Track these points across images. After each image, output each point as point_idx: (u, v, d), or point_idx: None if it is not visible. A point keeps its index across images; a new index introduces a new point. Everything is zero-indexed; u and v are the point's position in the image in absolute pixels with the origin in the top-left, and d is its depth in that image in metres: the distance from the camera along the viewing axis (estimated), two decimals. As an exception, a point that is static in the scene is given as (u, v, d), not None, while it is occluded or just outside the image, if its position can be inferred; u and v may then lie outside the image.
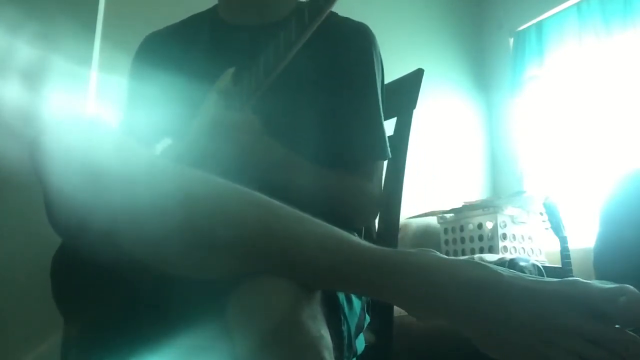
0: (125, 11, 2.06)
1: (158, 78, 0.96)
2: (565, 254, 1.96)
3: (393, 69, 1.16)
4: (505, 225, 2.23)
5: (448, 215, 2.41)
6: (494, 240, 2.20)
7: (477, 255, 2.09)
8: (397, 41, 2.64)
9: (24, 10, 1.34)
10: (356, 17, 1.02)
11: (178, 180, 0.58)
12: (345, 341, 0.74)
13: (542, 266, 1.98)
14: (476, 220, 2.29)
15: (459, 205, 2.39)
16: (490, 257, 2.01)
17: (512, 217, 2.25)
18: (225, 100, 0.86)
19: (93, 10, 1.76)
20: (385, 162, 1.06)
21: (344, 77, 0.95)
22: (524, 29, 2.99)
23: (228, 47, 1.00)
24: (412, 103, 1.17)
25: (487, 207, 2.27)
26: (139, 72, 1.04)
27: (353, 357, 0.79)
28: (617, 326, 0.49)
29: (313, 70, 0.94)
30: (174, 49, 1.02)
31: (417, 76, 1.19)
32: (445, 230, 2.42)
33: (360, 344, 0.86)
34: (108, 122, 0.64)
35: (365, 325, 0.91)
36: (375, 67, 0.98)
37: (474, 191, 2.91)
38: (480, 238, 2.26)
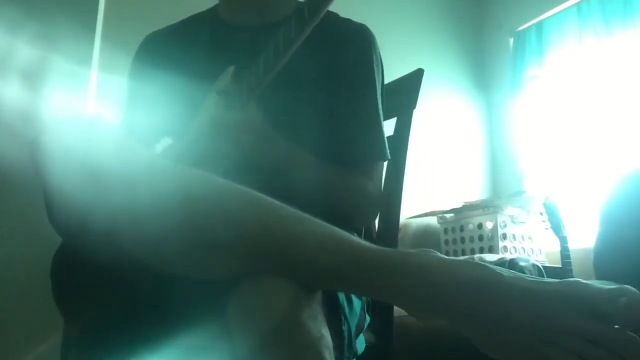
0: (125, 11, 2.06)
1: (158, 78, 0.96)
2: (565, 254, 1.96)
3: (393, 69, 1.16)
4: (505, 225, 2.23)
5: (448, 215, 2.41)
6: (494, 240, 2.20)
7: (477, 255, 2.09)
8: (397, 41, 2.64)
9: (24, 10, 1.34)
10: (356, 17, 1.02)
11: (178, 180, 0.58)
12: (346, 341, 0.74)
13: (542, 266, 1.98)
14: (476, 220, 2.29)
15: (459, 205, 2.39)
16: (490, 257, 2.01)
17: (512, 217, 2.25)
18: (225, 100, 0.86)
19: (93, 10, 1.76)
20: (385, 163, 1.06)
21: (343, 77, 0.95)
22: (524, 29, 2.99)
23: (228, 47, 1.00)
24: (412, 103, 1.17)
25: (487, 207, 2.27)
26: (139, 72, 1.04)
27: (353, 358, 0.79)
28: (616, 327, 0.49)
29: (313, 69, 0.94)
30: (174, 49, 1.02)
31: (417, 76, 1.19)
32: (445, 230, 2.42)
33: (360, 344, 0.86)
34: (108, 122, 0.64)
35: (366, 326, 0.91)
36: (375, 68, 0.98)
37: (474, 191, 2.91)
38: (480, 238, 2.26)
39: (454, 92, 3.06)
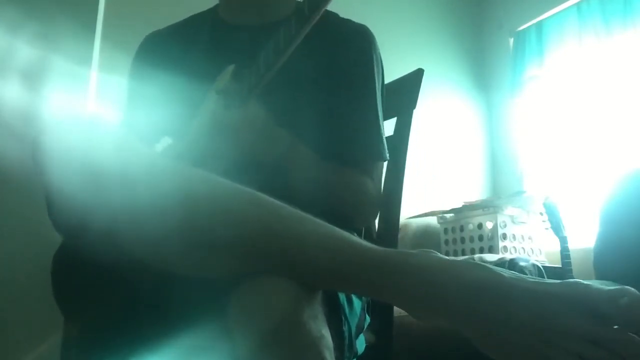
0: (125, 11, 2.06)
1: (158, 78, 0.96)
2: (565, 254, 1.96)
3: (393, 69, 1.16)
4: (505, 225, 2.23)
5: (448, 215, 2.41)
6: (494, 240, 2.20)
7: (477, 256, 2.09)
8: (397, 41, 2.64)
9: (24, 10, 1.35)
10: (356, 17, 1.02)
11: (178, 180, 0.58)
12: (346, 341, 0.74)
13: (542, 266, 1.98)
14: (476, 220, 2.29)
15: (459, 205, 2.39)
16: (490, 257, 2.01)
17: (512, 217, 2.25)
18: (224, 99, 0.86)
19: (93, 10, 1.76)
20: (385, 163, 1.06)
21: (343, 78, 0.95)
22: (524, 29, 2.99)
23: (228, 47, 1.00)
24: (412, 103, 1.17)
25: (487, 207, 2.27)
26: (139, 72, 1.04)
27: (354, 358, 0.79)
28: (617, 327, 0.49)
29: (312, 69, 0.94)
30: (174, 48, 1.02)
31: (417, 76, 1.19)
32: (445, 230, 2.42)
33: (360, 344, 0.86)
34: (108, 122, 0.64)
35: (366, 326, 0.91)
36: (375, 68, 0.98)
37: (474, 191, 2.91)
38: (480, 238, 2.26)
39: (454, 92, 3.06)
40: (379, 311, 1.00)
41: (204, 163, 0.77)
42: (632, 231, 1.43)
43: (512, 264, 1.89)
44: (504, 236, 2.21)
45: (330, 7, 0.78)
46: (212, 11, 1.07)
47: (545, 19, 2.88)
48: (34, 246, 1.18)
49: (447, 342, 1.54)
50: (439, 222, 2.45)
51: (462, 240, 2.34)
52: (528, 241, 2.29)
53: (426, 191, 2.67)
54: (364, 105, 0.96)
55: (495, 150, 3.11)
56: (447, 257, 0.56)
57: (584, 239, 2.14)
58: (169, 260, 0.57)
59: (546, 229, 2.04)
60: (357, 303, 0.82)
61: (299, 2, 1.03)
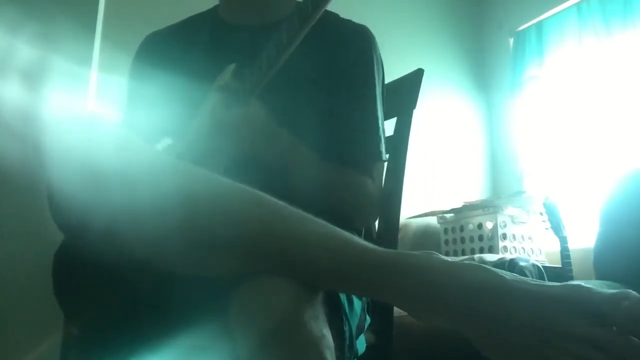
0: (125, 11, 2.06)
1: (158, 78, 0.96)
2: (565, 254, 1.96)
3: (393, 69, 1.16)
4: (505, 225, 2.23)
5: (448, 215, 2.41)
6: (494, 240, 2.20)
7: (477, 255, 2.09)
8: (397, 41, 2.64)
9: (24, 10, 1.35)
10: (356, 17, 1.02)
11: (179, 179, 0.58)
12: (347, 341, 0.74)
13: (542, 266, 1.98)
14: (476, 220, 2.29)
15: (459, 205, 2.39)
16: (490, 257, 2.01)
17: (512, 217, 2.25)
18: (225, 97, 0.86)
19: (93, 10, 1.76)
20: (385, 163, 1.06)
21: (343, 78, 0.95)
22: (524, 29, 2.99)
23: (228, 47, 1.00)
24: (412, 103, 1.17)
25: (487, 207, 2.27)
26: (139, 72, 1.04)
27: (354, 358, 0.79)
28: (618, 330, 0.49)
29: (312, 69, 0.94)
30: (174, 49, 1.02)
31: (417, 76, 1.19)
32: (445, 230, 2.42)
33: (361, 344, 0.86)
34: (108, 122, 0.64)
35: (366, 326, 0.91)
36: (375, 68, 0.98)
37: (474, 191, 2.91)
38: (480, 238, 2.26)
39: (454, 92, 3.06)
40: (379, 311, 1.00)
41: (204, 162, 0.77)
42: (632, 231, 1.43)
43: (512, 264, 1.89)
44: (504, 236, 2.21)
45: (330, 7, 0.78)
46: (212, 11, 1.07)
47: (545, 19, 2.88)
48: (34, 246, 1.18)
49: (447, 342, 1.54)
50: (439, 222, 2.45)
51: (462, 240, 2.34)
52: (528, 241, 2.29)
53: (426, 191, 2.67)
54: (363, 105, 0.96)
55: (495, 150, 3.11)
56: (447, 259, 0.56)
57: (584, 239, 2.14)
58: (169, 260, 0.57)
59: (546, 229, 2.05)
60: (357, 303, 0.82)
61: (300, 1, 1.03)
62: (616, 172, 1.69)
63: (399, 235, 1.22)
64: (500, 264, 1.89)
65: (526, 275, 1.49)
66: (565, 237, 1.98)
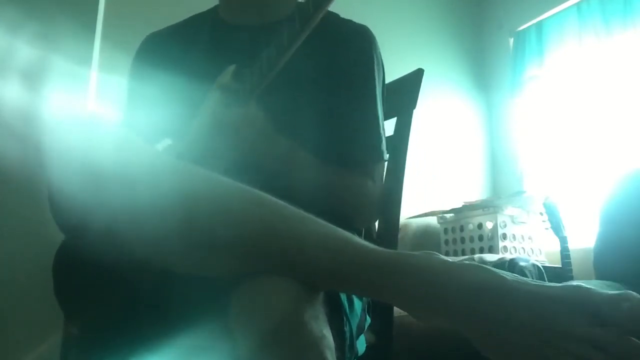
0: (125, 11, 2.06)
1: (158, 78, 0.96)
2: (565, 254, 1.96)
3: (393, 69, 1.16)
4: (505, 225, 2.23)
5: (448, 215, 2.41)
6: (494, 240, 2.20)
7: (477, 256, 2.09)
8: (397, 41, 2.64)
9: (24, 10, 1.34)
10: (356, 17, 1.02)
11: (179, 179, 0.58)
12: (347, 342, 0.74)
13: (542, 266, 1.98)
14: (476, 220, 2.29)
15: (459, 205, 2.39)
16: (490, 257, 2.01)
17: (512, 217, 2.25)
18: (226, 98, 0.86)
19: (93, 10, 1.76)
20: (385, 163, 1.06)
21: (343, 78, 0.95)
22: (524, 29, 2.99)
23: (228, 47, 1.00)
24: (412, 103, 1.17)
25: (487, 207, 2.27)
26: (139, 72, 1.04)
27: (354, 358, 0.79)
28: (618, 331, 0.49)
29: (313, 70, 0.94)
30: (175, 49, 1.02)
31: (417, 76, 1.19)
32: (445, 230, 2.42)
33: (361, 344, 0.86)
34: (108, 122, 0.64)
35: (366, 327, 0.91)
36: (375, 69, 0.98)
37: (474, 191, 2.91)
38: (480, 238, 2.26)
39: (454, 92, 3.06)
40: (379, 312, 1.00)
41: (204, 162, 0.77)
42: (632, 231, 1.43)
43: (512, 264, 1.89)
44: (504, 236, 2.21)
45: (331, 7, 0.78)
46: (212, 11, 1.07)
47: (545, 19, 2.88)
48: (34, 246, 1.18)
49: (447, 342, 1.54)
50: (439, 222, 2.45)
51: (462, 240, 2.34)
52: (528, 241, 2.29)
53: (426, 191, 2.67)
54: (364, 105, 0.96)
55: (495, 150, 3.11)
56: (448, 259, 0.56)
57: (584, 239, 2.14)
58: (169, 259, 0.57)
59: (546, 229, 2.05)
60: (357, 304, 0.82)
61: (300, 2, 1.03)
62: (616, 172, 1.69)
63: (399, 235, 1.22)
64: (500, 264, 1.89)
65: (526, 275, 1.49)
66: (565, 237, 1.98)
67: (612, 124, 2.53)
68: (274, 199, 0.58)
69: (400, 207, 1.13)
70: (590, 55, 2.66)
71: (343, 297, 0.75)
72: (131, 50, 1.07)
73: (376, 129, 0.95)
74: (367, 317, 0.91)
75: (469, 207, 2.35)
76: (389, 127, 1.09)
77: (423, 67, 1.19)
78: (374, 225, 1.12)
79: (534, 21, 2.94)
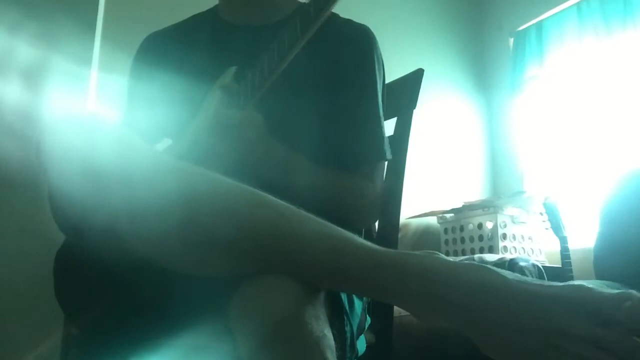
0: (125, 11, 2.06)
1: (158, 78, 0.96)
2: (565, 254, 1.96)
3: (393, 69, 1.16)
4: (505, 225, 2.23)
5: (448, 215, 2.41)
6: (494, 240, 2.20)
7: (477, 256, 2.09)
8: (397, 41, 2.64)
9: (24, 10, 1.34)
10: (356, 17, 1.02)
11: (180, 179, 0.58)
12: (348, 342, 0.74)
13: (542, 266, 1.98)
14: (476, 220, 2.29)
15: (459, 205, 2.39)
16: (490, 257, 2.01)
17: (512, 217, 2.25)
18: (227, 99, 0.86)
19: (93, 10, 1.76)
20: (386, 163, 1.06)
21: (345, 79, 0.95)
22: (524, 29, 2.99)
23: (229, 47, 0.99)
24: (412, 103, 1.17)
25: (487, 207, 2.27)
26: (139, 72, 1.04)
27: (354, 358, 0.79)
28: (620, 331, 0.49)
29: (314, 71, 0.94)
30: (175, 49, 1.02)
31: (417, 76, 1.19)
32: (445, 230, 2.42)
33: (361, 344, 0.86)
34: (108, 121, 0.64)
35: (366, 326, 0.91)
36: (376, 69, 0.98)
37: (474, 191, 2.91)
38: (480, 238, 2.26)
39: (454, 92, 3.06)
40: (379, 312, 1.00)
41: (204, 163, 0.77)
42: (632, 231, 1.43)
43: (512, 264, 1.89)
44: (504, 236, 2.21)
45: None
46: (212, 11, 1.07)
47: (545, 19, 2.88)
48: (34, 246, 1.18)
49: (446, 342, 1.54)
50: (439, 222, 2.45)
51: (462, 240, 2.34)
52: (528, 241, 2.29)
53: (426, 191, 2.67)
54: (365, 105, 0.96)
55: (495, 150, 3.11)
56: (449, 259, 0.56)
57: (584, 239, 2.14)
58: (170, 259, 0.57)
59: (546, 229, 2.05)
60: (357, 303, 0.82)
61: (301, 2, 1.03)
62: (616, 172, 1.69)
63: (399, 235, 1.22)
64: (500, 264, 1.89)
65: (526, 275, 1.49)
66: (565, 237, 1.98)
67: (612, 124, 2.53)
68: (274, 198, 0.58)
69: (400, 207, 1.13)
70: (590, 55, 2.66)
71: (343, 297, 0.75)
72: (131, 50, 1.07)
73: (379, 129, 0.95)
74: (367, 317, 0.91)
75: (469, 207, 2.35)
76: (389, 127, 1.09)
77: (423, 67, 1.19)
78: (374, 226, 1.12)
79: (534, 21, 2.93)
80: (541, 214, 2.07)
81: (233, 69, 0.89)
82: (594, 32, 2.63)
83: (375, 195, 0.95)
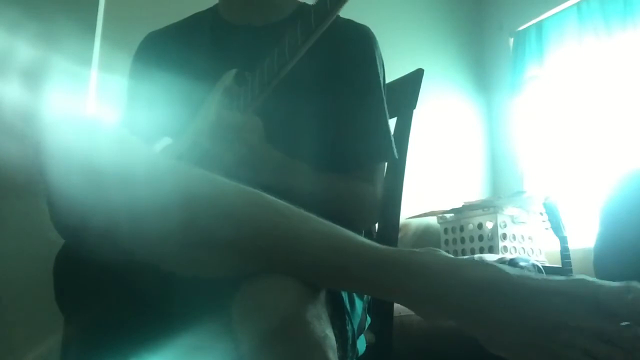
0: (125, 11, 2.06)
1: (158, 77, 0.96)
2: (565, 254, 1.96)
3: (393, 69, 1.16)
4: (505, 225, 2.23)
5: (448, 215, 2.41)
6: (494, 240, 2.20)
7: (477, 255, 2.09)
8: (397, 41, 2.64)
9: (24, 10, 1.34)
10: (356, 17, 1.02)
11: (179, 180, 0.58)
12: (350, 341, 0.74)
13: (542, 266, 1.98)
14: (476, 220, 2.29)
15: (459, 205, 2.39)
16: (490, 257, 2.01)
17: (512, 217, 2.25)
18: (228, 100, 0.86)
19: (93, 10, 1.76)
20: (386, 163, 1.06)
21: (347, 79, 0.95)
22: (524, 29, 2.99)
23: (229, 47, 0.99)
24: (412, 103, 1.17)
25: (487, 207, 2.27)
26: (139, 71, 1.04)
27: (355, 358, 0.79)
28: (624, 323, 0.49)
29: (316, 72, 0.93)
30: (175, 48, 1.02)
31: (417, 76, 1.19)
32: (445, 230, 2.42)
33: (361, 344, 0.86)
34: (108, 122, 0.64)
35: (366, 326, 0.91)
36: (378, 69, 0.98)
37: (474, 191, 2.91)
38: (480, 238, 2.26)
39: (454, 92, 3.06)
40: (379, 311, 1.00)
41: (204, 164, 0.77)
42: (632, 231, 1.43)
43: (512, 264, 1.89)
44: (504, 236, 2.21)
45: (330, 7, 0.77)
46: (212, 10, 1.07)
47: (545, 19, 2.88)
48: (34, 246, 1.18)
49: (447, 342, 1.54)
50: (439, 222, 2.45)
51: (462, 240, 2.34)
52: (528, 241, 2.29)
53: (426, 191, 2.67)
54: (369, 106, 0.96)
55: (495, 150, 3.10)
56: (452, 256, 0.56)
57: (584, 239, 2.14)
58: (170, 260, 0.57)
59: (546, 229, 2.05)
60: (358, 303, 0.82)
61: (301, 3, 1.03)
62: (616, 172, 1.69)
63: (399, 235, 1.22)
64: (500, 264, 1.89)
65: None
66: (565, 237, 1.98)
67: (612, 124, 2.53)
68: (274, 198, 0.58)
69: (400, 207, 1.13)
70: (590, 55, 2.65)
71: (344, 296, 0.75)
72: (131, 50, 1.07)
73: (384, 128, 0.95)
74: (368, 316, 0.91)
75: (469, 207, 2.35)
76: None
77: (423, 67, 1.19)
78: (374, 226, 1.12)
79: (534, 21, 2.93)
80: (541, 214, 2.07)
81: (234, 71, 0.89)
82: (594, 32, 2.62)
83: (376, 197, 0.95)
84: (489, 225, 2.25)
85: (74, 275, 0.67)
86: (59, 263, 0.69)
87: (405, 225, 2.43)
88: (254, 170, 0.83)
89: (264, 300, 0.54)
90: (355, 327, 0.78)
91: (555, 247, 2.01)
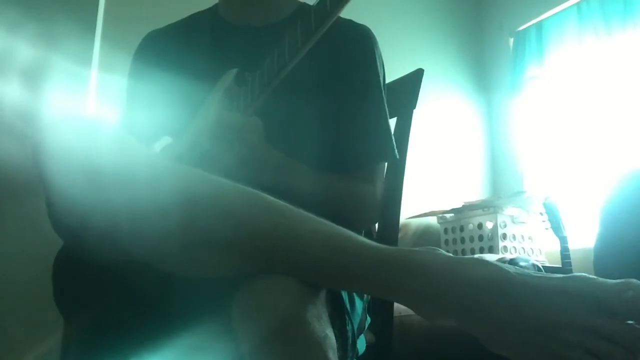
0: (125, 11, 2.06)
1: (158, 77, 0.96)
2: (565, 254, 1.96)
3: (393, 69, 1.15)
4: (505, 225, 2.23)
5: (448, 215, 2.41)
6: (494, 240, 2.20)
7: (477, 255, 2.09)
8: (397, 41, 2.64)
9: (24, 10, 1.34)
10: (356, 17, 1.02)
11: (179, 181, 0.58)
12: (350, 341, 0.74)
13: (542, 266, 1.98)
14: (476, 220, 2.29)
15: (459, 205, 2.39)
16: (490, 257, 2.01)
17: (512, 217, 2.25)
18: (228, 101, 0.86)
19: (93, 10, 1.76)
20: (386, 163, 1.06)
21: (347, 80, 0.95)
22: (524, 29, 2.99)
23: (229, 47, 0.99)
24: (412, 103, 1.17)
25: (487, 207, 2.27)
26: (139, 71, 1.04)
27: (355, 358, 0.79)
28: (626, 321, 0.49)
29: (316, 72, 0.93)
30: (175, 47, 1.02)
31: (417, 76, 1.19)
32: (445, 230, 2.42)
33: (361, 344, 0.86)
34: (108, 122, 0.64)
35: (366, 326, 0.91)
36: (378, 69, 0.98)
37: (474, 191, 2.91)
38: (480, 238, 2.26)
39: (454, 92, 3.06)
40: (379, 311, 1.00)
41: (204, 164, 0.77)
42: (632, 231, 1.43)
43: (512, 264, 1.89)
44: (504, 236, 2.21)
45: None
46: (212, 10, 1.07)
47: (545, 19, 2.88)
48: (34, 246, 1.18)
49: (447, 342, 1.54)
50: (439, 222, 2.45)
51: (462, 240, 2.34)
52: (528, 241, 2.29)
53: (426, 191, 2.67)
54: (369, 106, 0.96)
55: (495, 150, 3.10)
56: (452, 255, 0.56)
57: (584, 239, 2.14)
58: (170, 261, 0.57)
59: (546, 229, 2.04)
60: (358, 303, 0.82)
61: (302, 3, 1.03)
62: (616, 172, 1.69)
63: (399, 235, 1.22)
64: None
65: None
66: (565, 237, 1.98)
67: (612, 124, 2.53)
68: (273, 198, 0.58)
69: (400, 207, 1.13)
70: (590, 55, 2.65)
71: (344, 296, 0.75)
72: (131, 50, 1.07)
73: (385, 129, 0.95)
74: (367, 316, 0.91)
75: (469, 207, 2.35)
76: (389, 127, 1.09)
77: (423, 67, 1.19)
78: (374, 226, 1.12)
79: (534, 21, 2.93)
80: (541, 214, 2.07)
81: (234, 71, 0.89)
82: (594, 32, 2.62)
83: (376, 197, 0.95)
84: (489, 225, 2.25)
85: (74, 276, 0.67)
86: (59, 263, 0.69)
87: (405, 225, 2.43)
88: (254, 171, 0.83)
89: (264, 300, 0.54)
90: (355, 327, 0.78)
91: (555, 247, 2.01)
